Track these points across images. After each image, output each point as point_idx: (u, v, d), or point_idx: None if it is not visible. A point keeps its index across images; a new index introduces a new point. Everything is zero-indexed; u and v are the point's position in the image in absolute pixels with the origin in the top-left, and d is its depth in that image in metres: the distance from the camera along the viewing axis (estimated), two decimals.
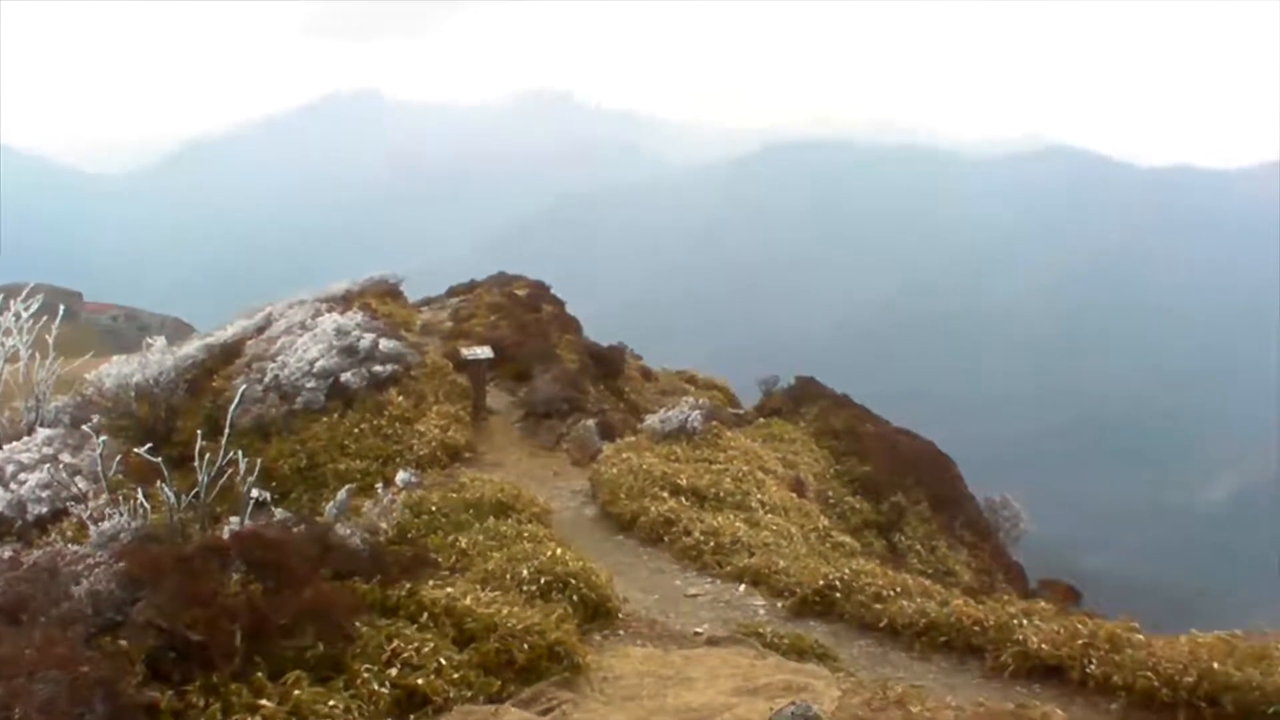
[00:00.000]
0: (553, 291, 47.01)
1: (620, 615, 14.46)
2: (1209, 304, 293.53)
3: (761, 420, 38.13)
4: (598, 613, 14.12)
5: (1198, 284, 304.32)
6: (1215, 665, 11.11)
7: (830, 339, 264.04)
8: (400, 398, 27.86)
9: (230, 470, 15.54)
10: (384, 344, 29.43)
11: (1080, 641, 12.48)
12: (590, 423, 29.83)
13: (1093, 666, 12.03)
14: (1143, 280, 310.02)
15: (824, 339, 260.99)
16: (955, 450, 44.64)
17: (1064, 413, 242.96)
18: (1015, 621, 13.52)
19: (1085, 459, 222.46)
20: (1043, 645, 12.69)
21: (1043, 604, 14.91)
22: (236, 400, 21.13)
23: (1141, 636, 12.51)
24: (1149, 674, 11.41)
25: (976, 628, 13.66)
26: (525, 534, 17.56)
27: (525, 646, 10.82)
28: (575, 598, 13.87)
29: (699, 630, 14.30)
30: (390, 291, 41.66)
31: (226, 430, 15.84)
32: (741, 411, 41.11)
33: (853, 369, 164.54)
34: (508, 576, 14.25)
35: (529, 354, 34.99)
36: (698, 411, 27.67)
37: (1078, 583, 38.31)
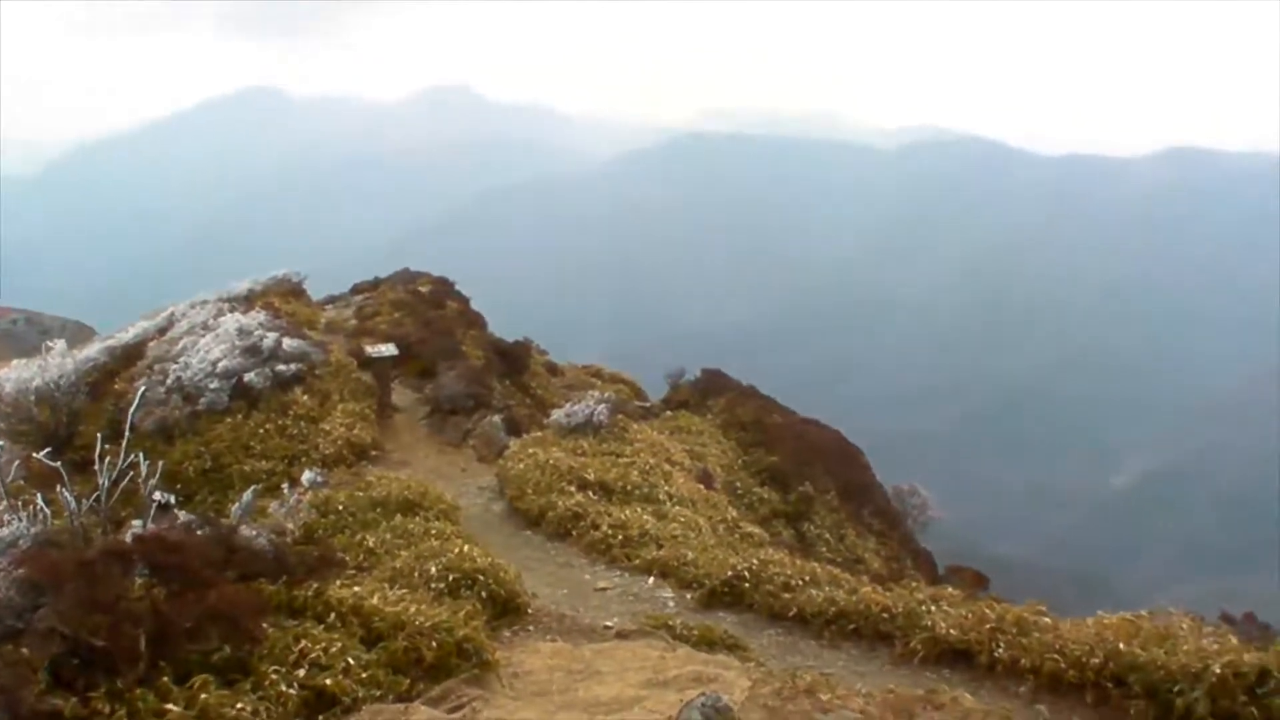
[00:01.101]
0: (457, 288, 46.77)
1: (529, 611, 14.43)
2: (1111, 291, 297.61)
3: (669, 413, 38.27)
4: (506, 609, 14.09)
5: (1100, 271, 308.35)
6: (1121, 646, 11.29)
7: (737, 331, 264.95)
8: (305, 397, 27.62)
9: (132, 474, 15.32)
10: (288, 343, 29.17)
11: (988, 626, 12.65)
12: (496, 419, 29.78)
13: (1001, 650, 12.19)
14: (1046, 268, 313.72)
15: (731, 331, 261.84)
16: (863, 440, 45.01)
17: (971, 401, 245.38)
18: (923, 608, 13.68)
19: (993, 446, 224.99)
20: (951, 630, 12.84)
21: (951, 590, 15.08)
22: (136, 402, 20.87)
23: (1049, 620, 12.69)
24: (1056, 656, 11.58)
25: (885, 615, 13.80)
26: (433, 531, 17.51)
27: (433, 644, 10.76)
28: (484, 594, 13.83)
29: (608, 624, 14.30)
30: (294, 290, 41.27)
31: (127, 433, 15.61)
32: (649, 404, 41.19)
33: (760, 361, 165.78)
34: (415, 574, 14.18)
35: (434, 351, 34.83)
36: (604, 405, 27.72)
37: (987, 569, 38.81)
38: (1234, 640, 11.29)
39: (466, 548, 15.60)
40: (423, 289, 44.99)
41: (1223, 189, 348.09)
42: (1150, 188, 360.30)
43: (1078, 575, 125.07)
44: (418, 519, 18.58)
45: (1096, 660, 11.27)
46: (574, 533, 20.09)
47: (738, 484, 32.83)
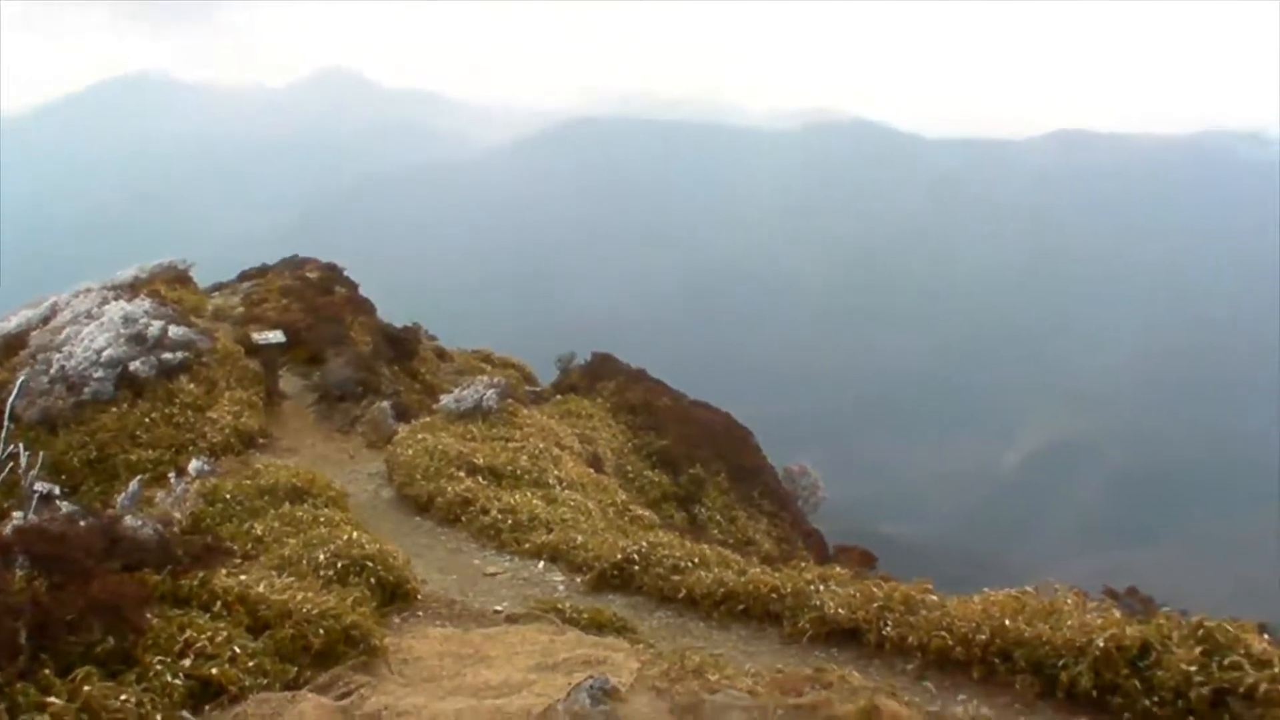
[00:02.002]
0: (345, 274, 46.29)
1: (419, 596, 14.36)
2: (1001, 272, 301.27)
3: (559, 397, 38.23)
4: (396, 595, 14.01)
5: (990, 252, 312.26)
6: (1007, 622, 11.38)
7: (627, 316, 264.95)
8: (191, 385, 27.24)
9: (12, 465, 15.04)
10: (173, 331, 28.71)
11: (876, 604, 12.72)
12: (385, 404, 29.57)
13: (889, 628, 12.27)
14: (937, 250, 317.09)
15: (621, 316, 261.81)
16: (754, 422, 45.19)
17: (862, 382, 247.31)
18: (812, 587, 13.73)
19: (884, 427, 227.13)
20: (839, 610, 12.90)
21: (839, 569, 15.17)
22: (16, 392, 20.46)
23: (935, 597, 12.78)
24: (944, 633, 11.67)
25: (774, 595, 13.85)
26: (321, 518, 17.37)
27: (321, 631, 10.67)
28: (373, 580, 13.74)
29: (498, 608, 14.27)
30: (180, 278, 40.67)
31: (7, 423, 15.33)
32: (539, 389, 41.13)
33: (651, 345, 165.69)
34: (304, 562, 14.06)
35: (322, 337, 34.48)
36: (493, 390, 27.63)
37: (878, 548, 39.14)
38: (1117, 614, 11.44)
39: (355, 534, 15.49)
40: (311, 275, 44.45)
41: (1109, 170, 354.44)
42: (1038, 170, 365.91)
43: (969, 553, 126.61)
44: (306, 506, 18.43)
45: (983, 637, 11.36)
46: (463, 518, 20.03)
47: (628, 467, 32.87)
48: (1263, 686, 9.45)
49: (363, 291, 44.63)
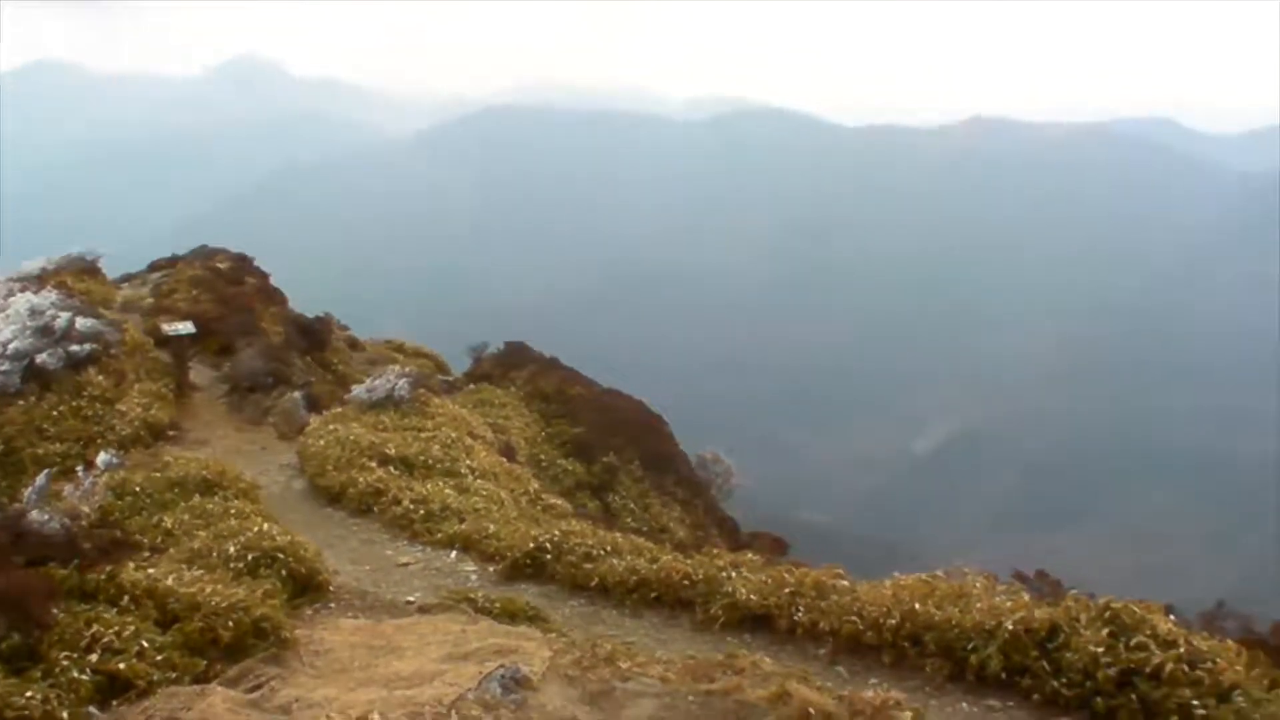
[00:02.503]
0: (256, 264, 45.80)
1: (331, 588, 14.27)
2: (915, 259, 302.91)
3: (472, 386, 38.11)
4: (307, 587, 13.90)
5: (904, 239, 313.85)
6: (917, 606, 11.52)
7: (542, 304, 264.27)
8: (100, 377, 26.74)
9: None
10: (81, 322, 28.22)
11: (787, 590, 12.82)
12: (296, 395, 29.30)
13: (800, 614, 12.38)
14: (852, 237, 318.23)
15: (536, 305, 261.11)
16: (668, 409, 45.25)
17: (776, 369, 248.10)
18: (724, 574, 13.79)
19: (798, 413, 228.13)
20: (751, 596, 12.99)
21: (751, 555, 15.22)
22: None
23: (847, 582, 12.90)
24: (855, 618, 11.80)
25: (686, 582, 13.89)
26: (232, 511, 17.18)
27: (230, 624, 10.58)
28: (284, 572, 13.63)
29: (411, 599, 14.23)
30: (88, 269, 40.06)
31: None
32: (452, 378, 40.95)
33: (565, 333, 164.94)
34: (214, 555, 13.91)
35: (232, 328, 34.11)
36: (405, 380, 27.45)
37: (792, 534, 39.37)
38: (1026, 597, 11.62)
39: (266, 526, 15.36)
40: (221, 266, 43.95)
41: (1023, 158, 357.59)
42: (953, 157, 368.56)
43: (883, 539, 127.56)
44: (216, 499, 18.23)
45: (893, 621, 11.50)
46: (376, 508, 19.89)
47: (541, 456, 32.84)
48: (1168, 666, 9.62)
49: (274, 282, 44.23)
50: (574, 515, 22.27)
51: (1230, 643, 10.40)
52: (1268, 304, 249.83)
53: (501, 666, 8.90)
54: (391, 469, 21.87)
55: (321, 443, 23.45)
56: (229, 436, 27.38)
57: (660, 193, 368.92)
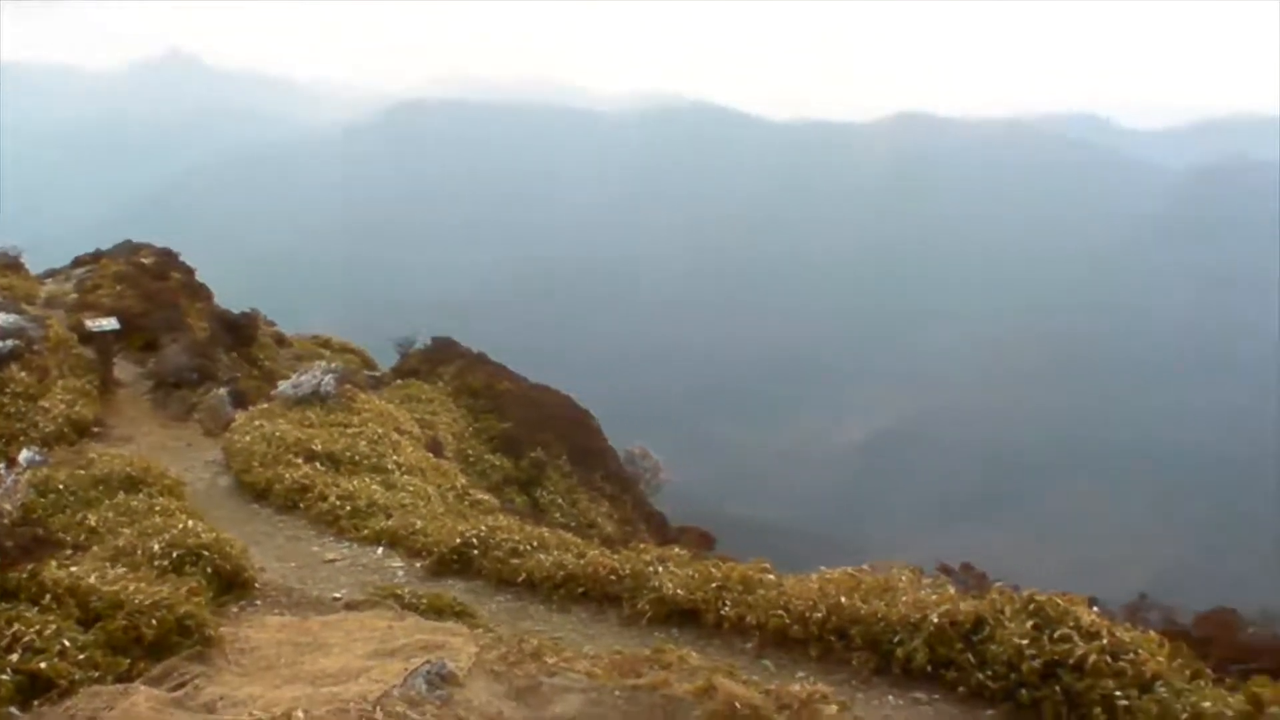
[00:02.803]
0: (181, 259, 45.36)
1: (257, 585, 14.14)
2: (843, 254, 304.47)
3: (399, 382, 38.01)
4: (233, 584, 13.78)
5: (832, 235, 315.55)
6: (843, 600, 11.59)
7: (469, 300, 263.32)
8: (22, 374, 26.39)
9: None
10: (3, 318, 27.86)
11: (714, 585, 12.86)
12: (222, 391, 29.10)
13: (727, 608, 12.42)
14: (781, 232, 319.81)
15: (463, 300, 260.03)
16: (598, 404, 45.30)
17: (706, 365, 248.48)
18: (651, 569, 13.83)
19: (727, 408, 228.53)
20: (678, 590, 13.01)
21: (678, 550, 15.24)
22: None
23: (773, 576, 12.95)
24: (781, 612, 11.84)
25: (613, 577, 13.91)
26: (157, 508, 16.98)
27: (154, 622, 10.44)
28: (209, 570, 13.48)
29: (337, 595, 14.15)
30: (11, 264, 39.76)
31: None
32: (379, 374, 40.80)
33: (494, 329, 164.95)
34: (138, 552, 13.74)
35: (157, 324, 33.81)
36: (331, 375, 27.30)
37: (721, 529, 39.49)
38: (952, 590, 11.70)
39: (191, 523, 15.19)
40: (145, 261, 43.50)
41: (950, 154, 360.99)
42: (882, 153, 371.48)
43: (813, 533, 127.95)
44: (141, 496, 18.02)
45: (820, 615, 11.56)
46: (302, 505, 19.79)
47: (469, 451, 32.78)
48: (1092, 658, 9.71)
49: (199, 277, 43.86)
50: (501, 510, 22.24)
51: (1153, 634, 10.52)
52: (1194, 298, 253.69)
53: (427, 663, 8.87)
54: (318, 465, 21.77)
55: (247, 439, 23.28)
56: (154, 433, 27.14)
57: (589, 187, 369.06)
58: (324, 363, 30.87)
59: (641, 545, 16.26)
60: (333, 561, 16.64)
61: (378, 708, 8.15)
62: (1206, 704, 9.07)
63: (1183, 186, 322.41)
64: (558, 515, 31.23)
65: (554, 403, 41.00)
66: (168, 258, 44.94)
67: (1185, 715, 9.08)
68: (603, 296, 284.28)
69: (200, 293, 41.07)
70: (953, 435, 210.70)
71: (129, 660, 10.03)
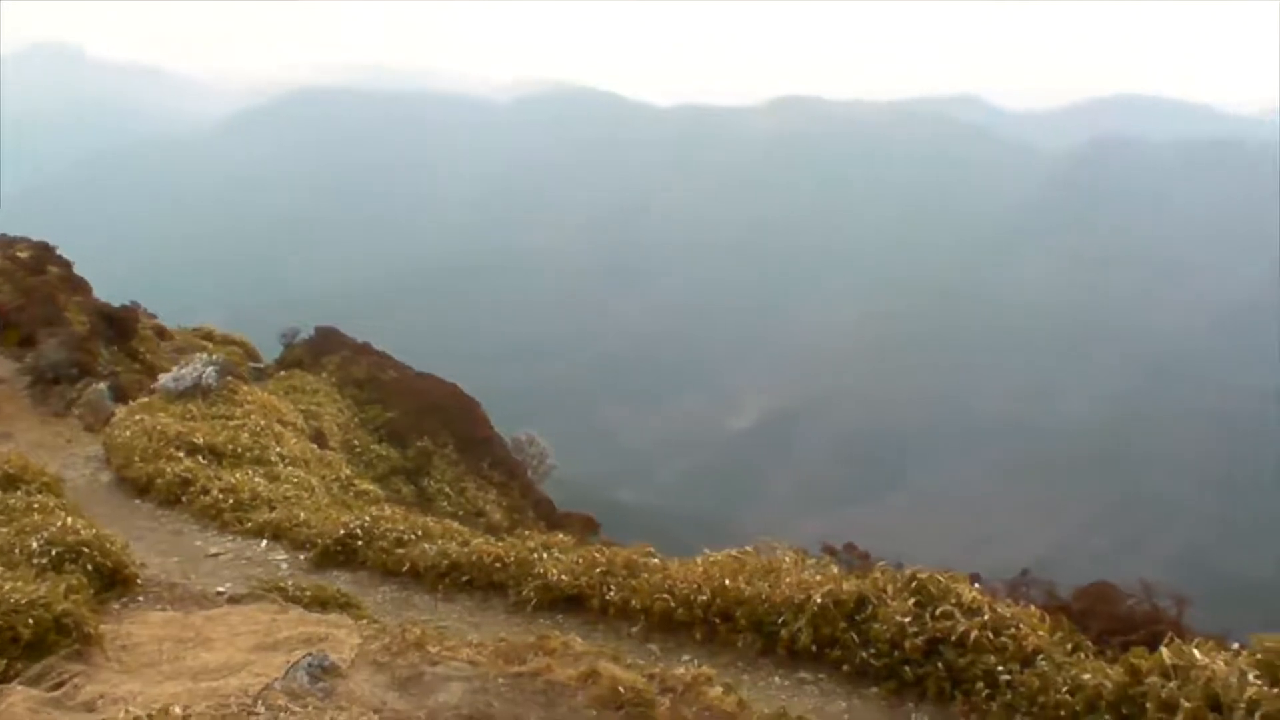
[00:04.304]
0: (59, 253, 44.37)
1: (139, 581, 13.87)
2: (728, 238, 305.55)
3: (283, 373, 37.62)
4: (114, 580, 13.50)
5: (717, 218, 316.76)
6: (727, 582, 11.60)
7: (356, 290, 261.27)
8: None
9: None
10: None
11: (599, 570, 12.84)
12: (102, 386, 28.57)
13: (612, 593, 12.41)
14: (665, 217, 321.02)
15: (351, 290, 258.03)
16: (484, 392, 45.29)
17: (592, 350, 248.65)
18: (535, 556, 13.75)
19: (615, 394, 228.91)
20: (562, 577, 12.98)
21: (562, 537, 15.23)
22: None
23: (657, 560, 12.96)
24: (666, 596, 11.84)
25: (498, 565, 13.83)
26: (34, 505, 16.59)
27: (30, 621, 10.21)
28: (89, 567, 13.20)
29: (221, 590, 13.92)
30: None
31: None
32: (262, 365, 40.37)
33: (380, 319, 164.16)
34: (16, 551, 13.44)
35: (34, 318, 33.06)
36: (212, 367, 26.89)
37: (610, 514, 39.69)
38: (835, 570, 11.79)
39: (70, 520, 14.86)
40: (21, 255, 42.45)
41: (832, 136, 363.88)
42: (763, 136, 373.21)
43: (701, 517, 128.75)
44: (18, 494, 17.60)
45: (704, 597, 11.58)
46: (184, 499, 19.46)
47: (355, 441, 32.57)
48: (973, 634, 9.79)
49: (77, 271, 42.95)
50: (386, 500, 22.14)
51: (1034, 609, 10.65)
52: (1071, 277, 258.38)
53: (309, 655, 8.78)
54: (200, 458, 21.43)
55: (128, 434, 22.87)
56: (33, 429, 26.60)
57: (474, 176, 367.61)
58: (206, 355, 30.37)
59: (526, 532, 16.23)
60: (216, 556, 16.41)
61: (259, 701, 8.07)
62: (1086, 676, 9.16)
63: (1060, 166, 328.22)
64: (445, 504, 31.18)
65: (440, 392, 40.86)
66: (45, 251, 43.93)
67: (1065, 688, 9.14)
68: (488, 285, 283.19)
69: (79, 287, 40.21)
70: (837, 417, 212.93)
71: (5, 661, 9.81)
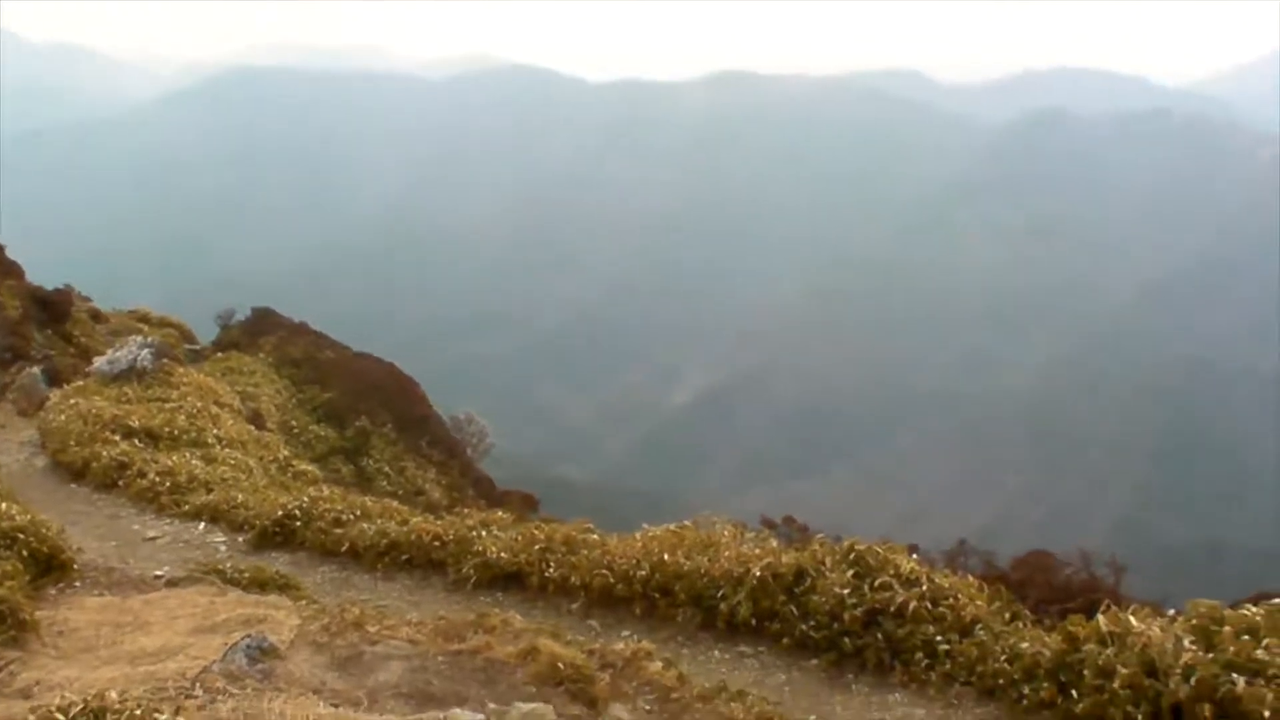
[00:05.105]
0: None
1: (76, 566, 13.73)
2: (666, 213, 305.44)
3: (220, 355, 37.33)
4: (51, 566, 13.35)
5: (654, 194, 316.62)
6: (666, 557, 11.68)
7: (292, 269, 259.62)
8: None
9: None
10: None
11: (538, 547, 12.88)
12: (36, 370, 28.25)
13: (552, 570, 12.46)
14: (602, 193, 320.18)
15: (286, 270, 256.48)
16: (423, 370, 45.21)
17: (530, 327, 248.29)
18: (474, 534, 13.79)
19: (554, 371, 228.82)
20: (502, 554, 13.01)
21: (501, 514, 15.22)
22: None
23: (596, 536, 13.03)
24: (605, 572, 11.90)
25: (437, 543, 13.85)
26: None
27: None
28: (25, 553, 13.05)
29: (159, 573, 13.79)
30: None
31: None
32: (199, 347, 40.01)
33: (317, 298, 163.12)
34: None
35: None
36: (148, 350, 26.62)
37: (551, 491, 39.76)
38: (774, 543, 11.87)
39: (4, 506, 14.69)
40: None
41: (769, 112, 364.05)
42: (699, 112, 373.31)
43: (642, 492, 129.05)
44: None
45: (643, 572, 11.64)
46: (121, 482, 19.26)
47: (293, 422, 32.38)
48: (911, 604, 9.90)
49: (9, 254, 42.36)
50: (325, 481, 22.05)
51: (972, 579, 10.78)
52: (1008, 250, 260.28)
53: (247, 637, 8.73)
54: (136, 441, 21.22)
55: (63, 418, 22.64)
56: None
57: (406, 153, 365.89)
58: (141, 338, 30.08)
59: (465, 510, 16.26)
60: (154, 539, 16.26)
61: (196, 684, 8.01)
62: (1024, 644, 9.26)
63: (997, 140, 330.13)
64: (384, 484, 31.10)
65: (378, 371, 40.72)
66: None
67: (1004, 656, 9.25)
68: (424, 263, 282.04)
69: (11, 270, 39.58)
70: (778, 391, 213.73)
71: None
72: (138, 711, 6.75)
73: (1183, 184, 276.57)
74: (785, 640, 10.43)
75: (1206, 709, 7.63)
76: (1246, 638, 8.09)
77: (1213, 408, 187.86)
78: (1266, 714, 7.42)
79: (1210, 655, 7.99)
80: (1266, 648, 7.92)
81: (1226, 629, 8.24)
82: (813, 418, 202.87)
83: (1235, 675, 7.70)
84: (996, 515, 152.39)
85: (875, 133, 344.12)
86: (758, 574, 10.86)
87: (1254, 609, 8.55)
